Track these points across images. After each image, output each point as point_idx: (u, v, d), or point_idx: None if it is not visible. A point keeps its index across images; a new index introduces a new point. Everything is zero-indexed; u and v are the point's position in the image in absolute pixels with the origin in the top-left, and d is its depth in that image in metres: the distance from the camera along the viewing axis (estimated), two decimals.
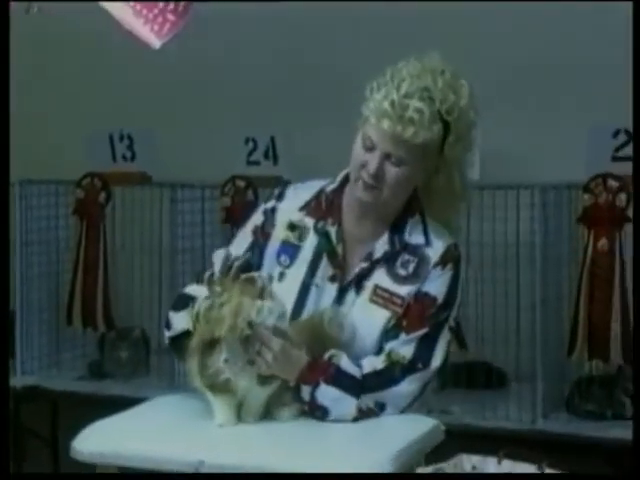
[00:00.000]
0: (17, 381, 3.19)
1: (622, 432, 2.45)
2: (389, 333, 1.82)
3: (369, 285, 1.84)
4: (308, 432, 1.77)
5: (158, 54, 1.82)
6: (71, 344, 3.32)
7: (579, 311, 2.64)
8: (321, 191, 1.91)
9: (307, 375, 1.78)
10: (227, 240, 2.10)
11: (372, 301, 1.83)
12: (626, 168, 2.47)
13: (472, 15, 3.04)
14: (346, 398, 1.78)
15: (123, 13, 1.70)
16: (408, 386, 1.81)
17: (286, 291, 1.84)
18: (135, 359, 3.21)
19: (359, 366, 1.81)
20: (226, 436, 1.75)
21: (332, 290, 1.85)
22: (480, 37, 3.04)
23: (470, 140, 1.85)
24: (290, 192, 1.93)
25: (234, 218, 2.90)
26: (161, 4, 1.69)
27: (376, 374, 1.80)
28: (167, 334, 1.90)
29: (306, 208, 1.89)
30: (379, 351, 1.83)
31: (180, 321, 1.84)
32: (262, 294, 1.73)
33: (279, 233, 1.89)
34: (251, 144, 3.09)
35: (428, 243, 1.85)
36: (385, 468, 1.62)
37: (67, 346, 3.32)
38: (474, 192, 2.72)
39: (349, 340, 1.83)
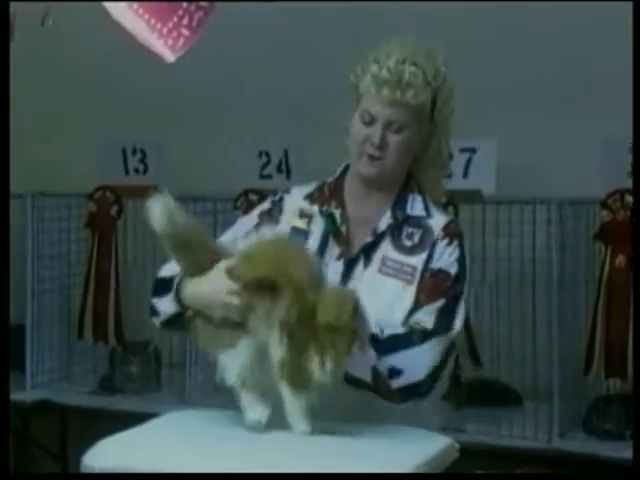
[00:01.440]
0: (27, 395, 3.18)
1: None
2: (412, 312, 1.84)
3: (377, 257, 1.88)
4: (320, 449, 1.74)
5: (171, 67, 1.81)
6: (82, 358, 3.31)
7: (596, 329, 2.62)
8: (323, 183, 2.00)
9: None
10: None
11: (381, 272, 1.87)
12: None
13: (486, 29, 3.03)
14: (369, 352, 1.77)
15: (137, 27, 1.70)
16: (427, 350, 1.81)
17: None
18: (146, 374, 3.19)
19: (380, 332, 1.82)
20: (238, 451, 1.72)
21: (339, 267, 1.89)
22: (493, 49, 3.03)
23: (452, 105, 1.93)
24: (295, 189, 2.03)
25: None
26: (175, 18, 1.68)
27: (394, 337, 1.81)
28: (157, 320, 1.91)
29: (310, 197, 1.97)
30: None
31: (168, 305, 1.86)
32: None
33: (288, 220, 1.96)
34: (264, 158, 3.08)
35: (429, 215, 1.91)
36: None
37: (78, 360, 3.31)
38: (490, 207, 2.71)
39: None
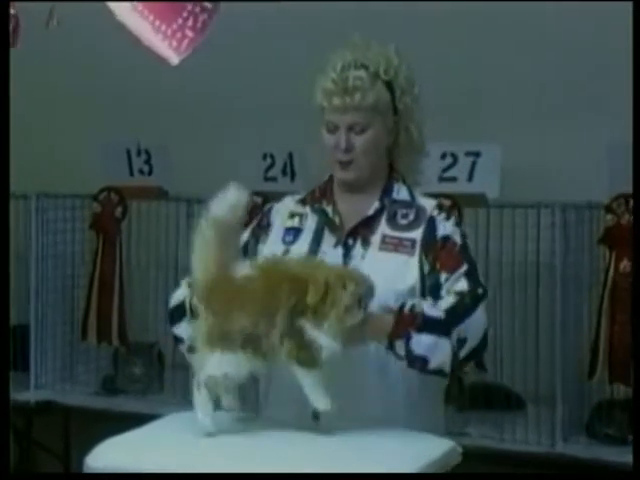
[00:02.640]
0: (30, 395, 3.19)
1: None
2: (431, 279, 1.91)
3: (376, 238, 1.96)
4: (324, 450, 1.74)
5: (177, 69, 1.82)
6: (85, 359, 3.32)
7: (600, 333, 2.61)
8: (314, 188, 2.08)
9: (398, 331, 1.83)
10: None
11: (382, 249, 1.95)
12: None
13: (490, 31, 3.03)
14: (440, 342, 1.82)
15: (141, 28, 1.70)
16: (481, 313, 1.88)
17: None
18: (149, 375, 3.20)
19: (436, 306, 1.86)
20: (240, 452, 1.73)
21: (338, 252, 1.97)
22: (498, 54, 3.03)
23: (415, 94, 2.02)
24: (288, 197, 2.12)
25: None
26: (180, 20, 1.68)
27: (453, 309, 1.86)
28: (183, 348, 1.94)
29: (302, 202, 2.07)
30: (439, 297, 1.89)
31: (188, 329, 1.89)
32: None
33: (281, 222, 2.04)
34: (269, 160, 3.08)
35: (414, 199, 2.00)
36: None
37: (81, 361, 3.31)
38: (494, 210, 2.71)
39: None
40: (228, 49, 3.19)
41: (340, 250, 1.96)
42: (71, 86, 3.57)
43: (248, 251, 2.04)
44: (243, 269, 1.81)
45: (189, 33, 1.70)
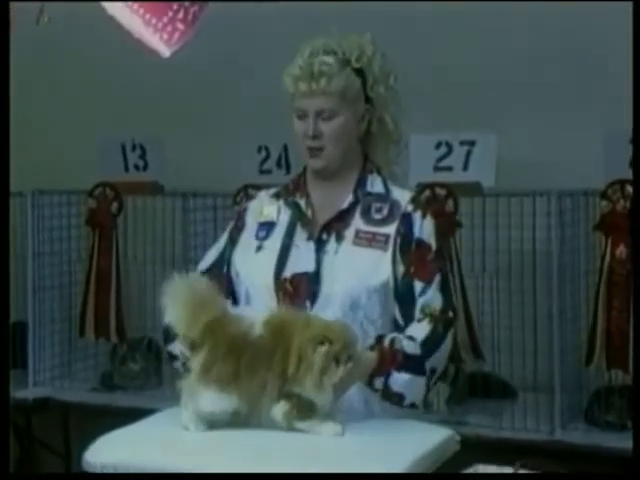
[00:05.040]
0: (29, 392, 3.19)
1: None
2: (403, 284, 1.91)
3: (349, 233, 1.95)
4: (321, 444, 1.75)
5: (170, 63, 1.81)
6: (83, 355, 3.32)
7: (597, 320, 2.62)
8: (288, 182, 2.09)
9: (380, 370, 1.86)
10: None
11: (355, 244, 1.95)
12: None
13: (489, 23, 3.02)
14: (416, 379, 1.87)
15: (132, 22, 1.69)
16: (448, 340, 1.92)
17: (266, 257, 1.97)
18: (147, 370, 3.20)
19: (412, 339, 1.88)
20: (241, 447, 1.73)
21: (310, 246, 1.96)
22: (496, 42, 3.03)
23: (390, 84, 1.99)
24: (262, 192, 2.12)
25: None
26: (170, 13, 1.68)
27: (428, 340, 1.89)
28: (177, 365, 1.94)
29: (276, 196, 2.06)
30: (409, 305, 1.90)
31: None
32: None
33: (255, 219, 2.04)
34: (264, 152, 3.08)
35: (389, 192, 1.99)
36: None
37: (79, 357, 3.31)
38: (490, 199, 2.71)
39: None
40: (222, 43, 3.19)
41: (312, 245, 1.96)
42: (65, 82, 3.56)
43: (225, 255, 2.03)
44: (249, 317, 1.79)
45: (180, 26, 1.69)
